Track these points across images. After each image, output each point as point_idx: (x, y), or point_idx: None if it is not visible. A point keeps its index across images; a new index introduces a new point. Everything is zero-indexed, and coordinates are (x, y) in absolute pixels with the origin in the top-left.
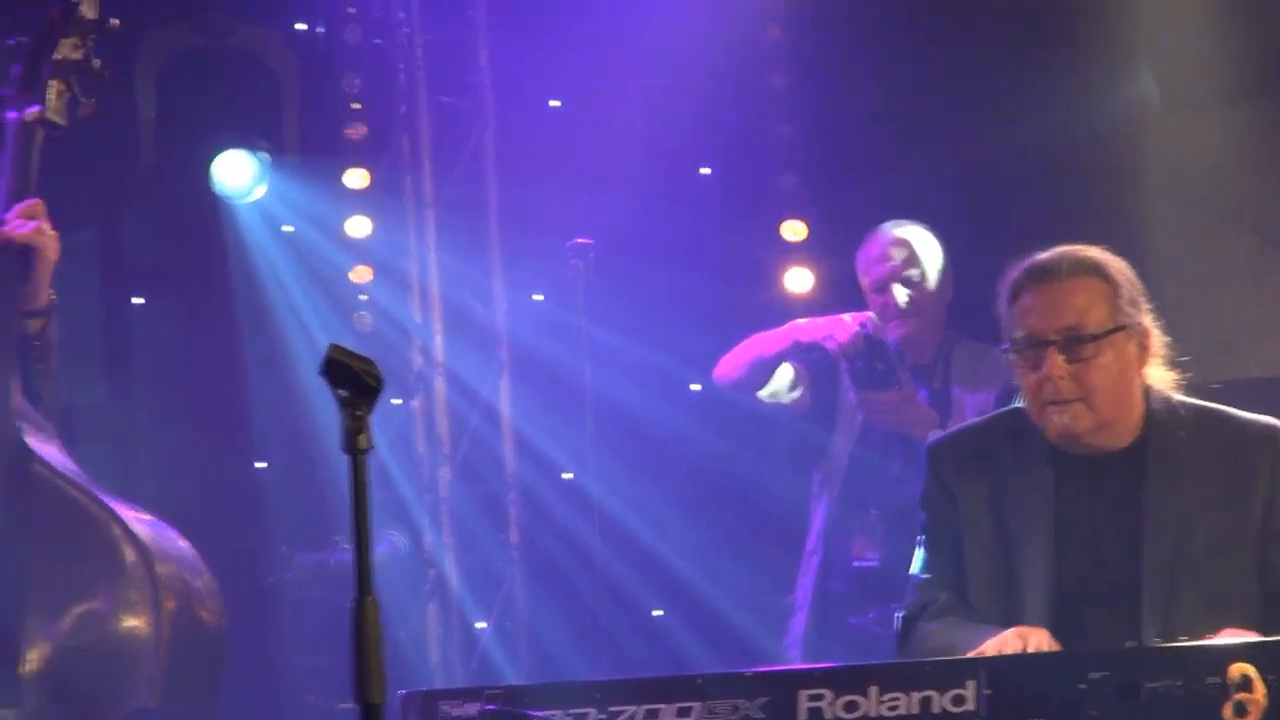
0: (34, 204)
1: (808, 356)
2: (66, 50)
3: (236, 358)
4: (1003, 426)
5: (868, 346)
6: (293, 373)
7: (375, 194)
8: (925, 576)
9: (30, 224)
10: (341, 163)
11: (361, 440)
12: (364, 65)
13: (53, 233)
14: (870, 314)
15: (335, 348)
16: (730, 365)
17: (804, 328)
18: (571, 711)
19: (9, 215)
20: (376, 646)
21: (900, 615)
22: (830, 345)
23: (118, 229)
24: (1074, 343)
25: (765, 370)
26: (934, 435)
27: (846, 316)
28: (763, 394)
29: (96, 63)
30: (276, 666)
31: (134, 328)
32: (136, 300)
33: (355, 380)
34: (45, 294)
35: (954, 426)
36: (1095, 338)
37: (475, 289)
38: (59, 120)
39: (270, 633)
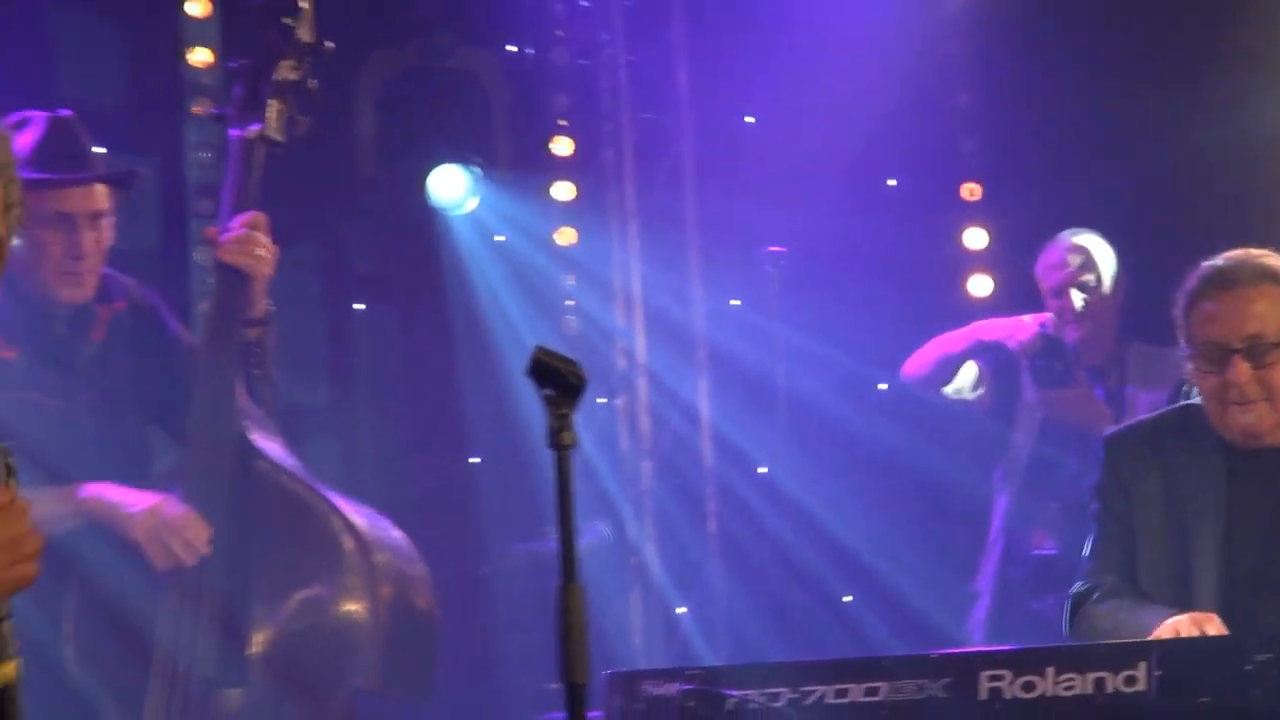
0: (255, 217)
1: (990, 356)
2: (285, 72)
3: (450, 360)
4: (1175, 421)
5: (1046, 346)
6: (503, 373)
7: (581, 206)
8: (1095, 562)
9: (243, 248)
10: (549, 176)
11: (565, 437)
12: (571, 85)
13: (266, 252)
14: (1049, 315)
15: (541, 349)
16: (917, 363)
17: (986, 327)
18: (765, 691)
19: (232, 225)
20: (581, 630)
21: (1070, 596)
22: (1011, 344)
23: (341, 240)
24: (1258, 349)
25: (950, 368)
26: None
27: (1026, 318)
28: (947, 390)
29: (313, 83)
30: (488, 649)
31: (355, 332)
32: (358, 306)
33: (560, 380)
34: (262, 305)
35: (1128, 421)
36: (1278, 345)
37: (675, 294)
38: (278, 137)
39: (482, 618)
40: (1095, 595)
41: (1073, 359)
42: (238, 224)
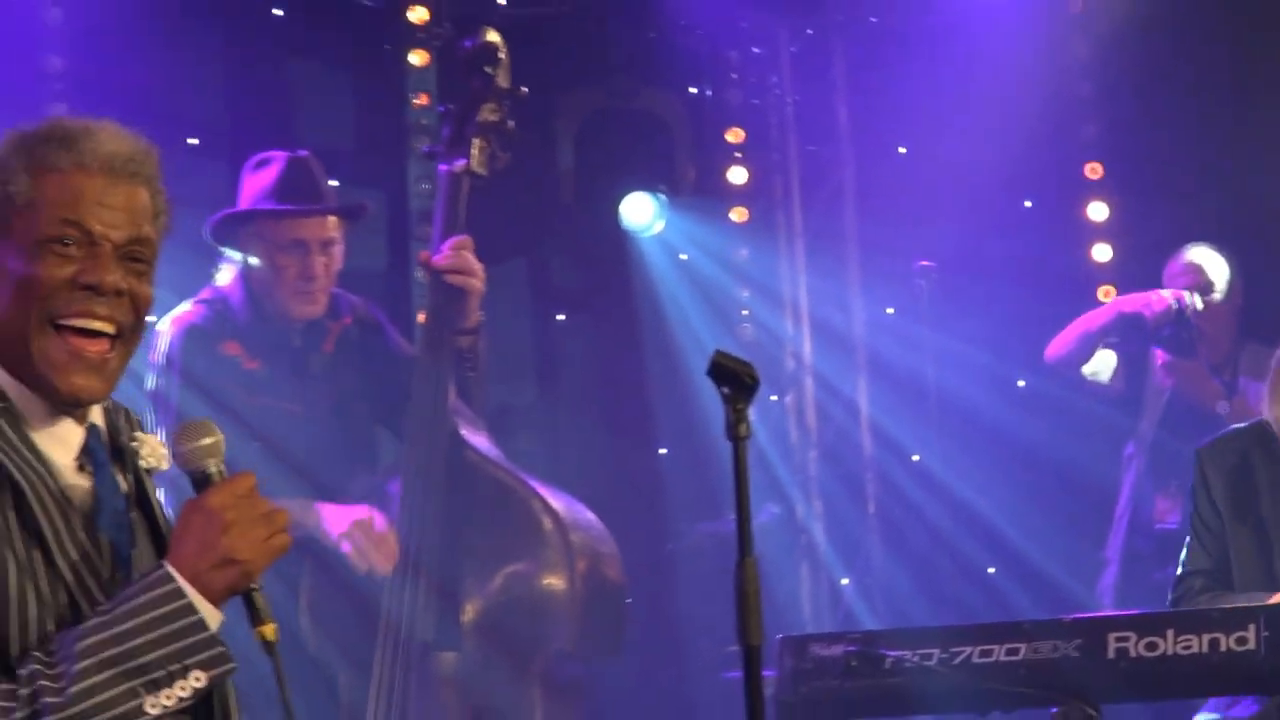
0: (463, 240)
1: (1124, 341)
2: (486, 114)
3: (640, 363)
4: (1254, 433)
5: (1178, 316)
6: (686, 374)
7: (754, 227)
8: (1188, 568)
9: (455, 267)
10: (726, 202)
11: (741, 430)
12: (744, 121)
13: (476, 269)
14: (1184, 292)
15: (720, 353)
16: (1060, 343)
17: (1126, 300)
18: (918, 651)
19: (443, 248)
20: (756, 599)
21: (1170, 595)
22: (1148, 312)
23: (544, 258)
24: None
25: (1090, 344)
26: (1221, 405)
27: (1164, 291)
28: (1086, 370)
29: (511, 124)
30: (675, 617)
31: (557, 340)
32: (559, 317)
33: (737, 380)
34: (475, 317)
35: (1218, 432)
36: None
37: (837, 304)
38: (481, 171)
39: (669, 589)
40: (1189, 598)
41: (1197, 335)
42: (448, 247)
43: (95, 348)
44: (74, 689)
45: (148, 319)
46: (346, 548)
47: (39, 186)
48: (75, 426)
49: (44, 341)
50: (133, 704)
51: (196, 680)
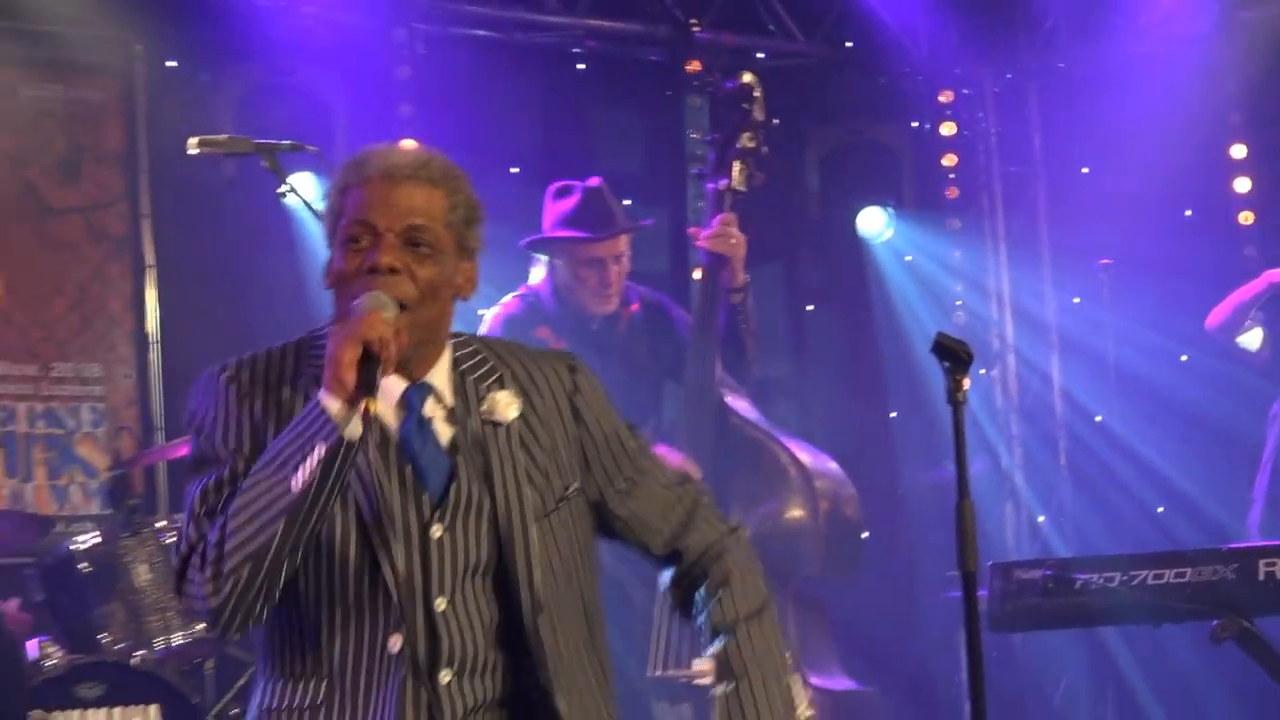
0: (728, 216)
1: (1272, 322)
2: (744, 141)
3: (875, 344)
4: None
5: None
6: (912, 352)
7: (965, 234)
8: None
9: (720, 236)
10: (943, 214)
11: (959, 396)
12: (957, 148)
13: (737, 239)
14: None
15: (941, 334)
16: (1219, 312)
17: (1275, 272)
18: (1103, 575)
19: (712, 222)
20: (971, 533)
21: None
22: None
23: (795, 260)
24: None
25: (1243, 312)
26: None
27: None
28: (1239, 339)
29: (765, 149)
30: (904, 548)
31: (806, 326)
32: (809, 308)
33: (955, 356)
34: (740, 277)
35: None
36: None
37: (1033, 294)
38: (741, 188)
39: (900, 526)
40: None
41: None
42: (717, 221)
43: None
44: (250, 481)
45: (483, 312)
46: None
47: (343, 200)
48: (399, 381)
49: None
50: (280, 480)
51: (318, 451)
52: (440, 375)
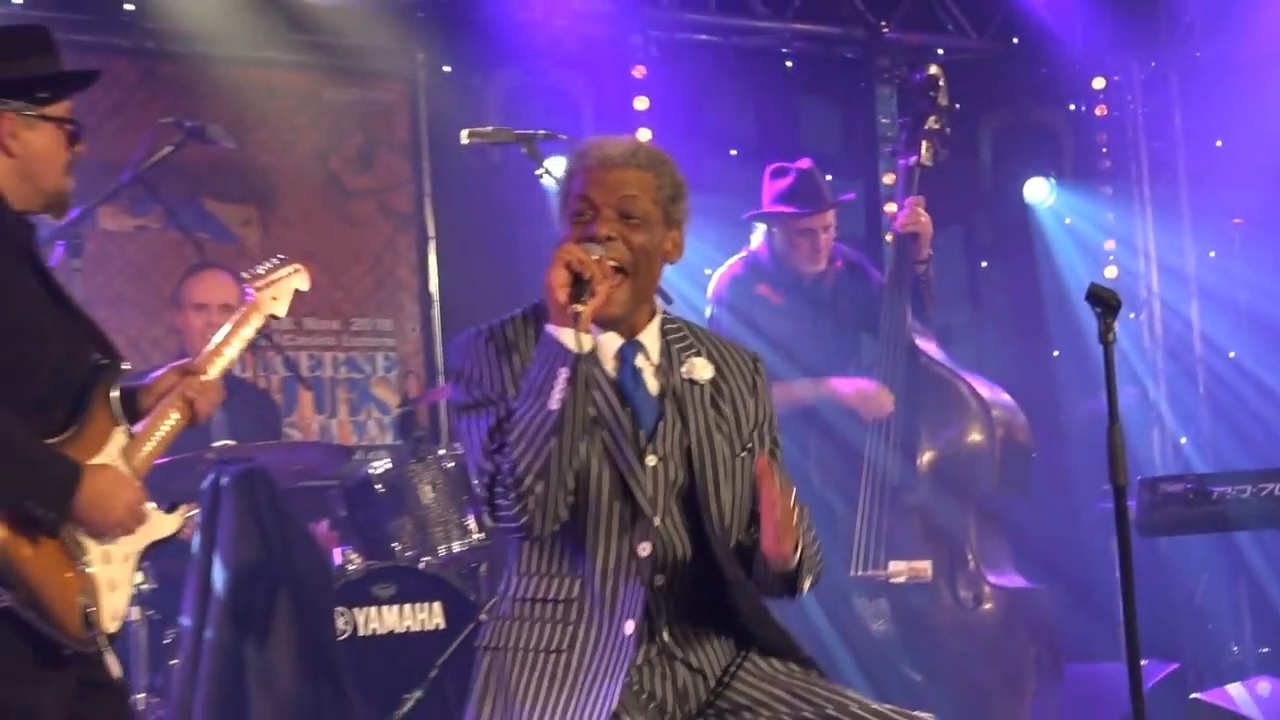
0: (917, 199)
1: None
2: (931, 123)
3: (1038, 293)
4: None
5: None
6: (1071, 300)
7: (1116, 199)
8: None
9: (912, 215)
10: (1097, 182)
11: (1109, 337)
12: (1108, 127)
13: (924, 219)
14: None
15: (1094, 284)
16: None
17: None
18: (1235, 487)
19: (904, 204)
20: (1122, 452)
21: None
22: None
23: (972, 224)
24: None
25: None
26: None
27: None
28: None
29: (947, 130)
30: (1065, 467)
31: (982, 280)
32: (983, 264)
33: (1106, 303)
34: (925, 251)
35: None
36: None
37: (1175, 250)
38: (928, 163)
39: (1062, 447)
40: None
41: None
42: (907, 204)
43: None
44: (513, 430)
45: (709, 272)
46: (854, 401)
47: (569, 184)
48: (616, 337)
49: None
50: (541, 409)
51: (564, 374)
52: (650, 336)
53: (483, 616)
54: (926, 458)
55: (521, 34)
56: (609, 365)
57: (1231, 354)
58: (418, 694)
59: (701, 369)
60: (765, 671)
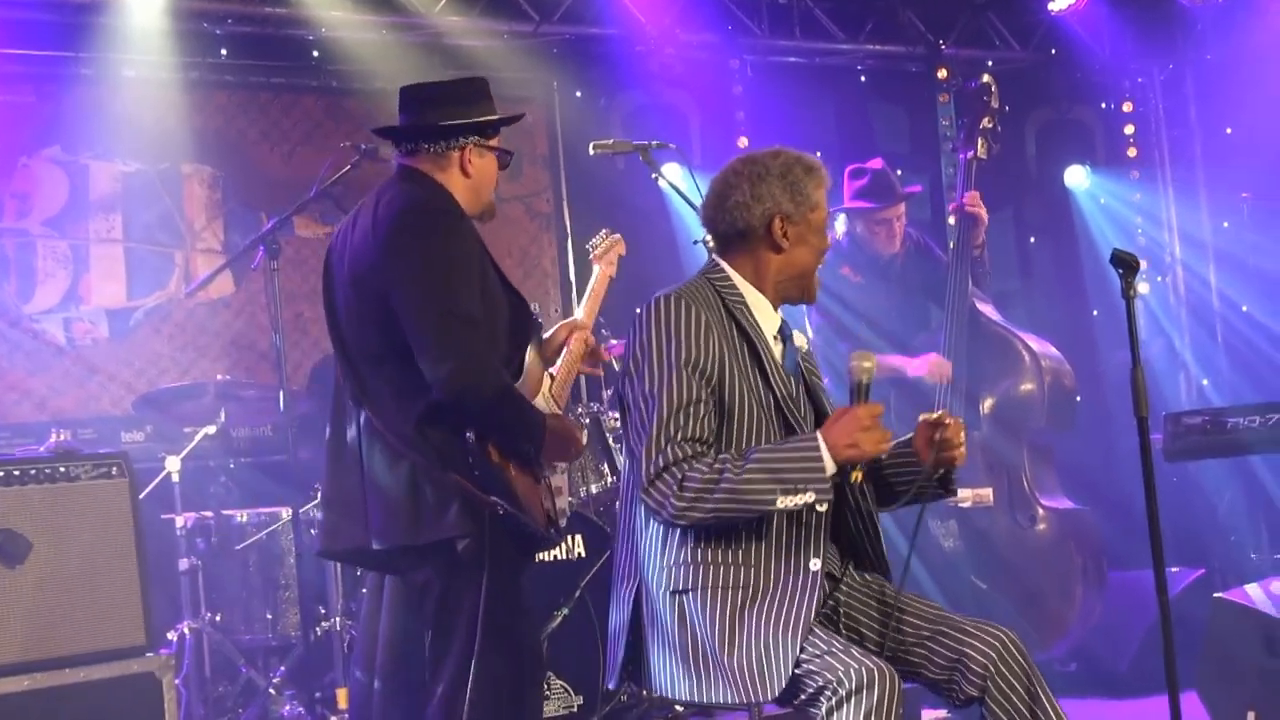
0: (976, 193)
1: None
2: (985, 123)
3: (1078, 262)
4: None
5: None
6: (1105, 266)
7: (1142, 181)
8: None
9: (971, 206)
10: (1126, 168)
11: (1131, 293)
12: (1135, 120)
13: (982, 210)
14: None
15: (1117, 250)
16: None
17: None
18: (1248, 418)
19: (964, 197)
20: (1143, 388)
21: None
22: None
23: (1021, 204)
24: None
25: None
26: None
27: None
28: None
29: (999, 128)
30: (1100, 407)
31: (1030, 252)
32: (1031, 239)
33: (1126, 264)
34: (981, 237)
35: None
36: None
37: (1192, 221)
38: (983, 157)
39: (1100, 391)
40: None
41: None
42: (966, 196)
43: None
44: (744, 474)
45: None
46: (923, 371)
47: (818, 193)
48: (775, 316)
49: (815, 276)
50: (770, 494)
51: (807, 497)
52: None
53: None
54: (987, 402)
55: (638, 62)
56: (773, 343)
57: (1244, 308)
58: (564, 611)
59: (798, 338)
60: (859, 581)
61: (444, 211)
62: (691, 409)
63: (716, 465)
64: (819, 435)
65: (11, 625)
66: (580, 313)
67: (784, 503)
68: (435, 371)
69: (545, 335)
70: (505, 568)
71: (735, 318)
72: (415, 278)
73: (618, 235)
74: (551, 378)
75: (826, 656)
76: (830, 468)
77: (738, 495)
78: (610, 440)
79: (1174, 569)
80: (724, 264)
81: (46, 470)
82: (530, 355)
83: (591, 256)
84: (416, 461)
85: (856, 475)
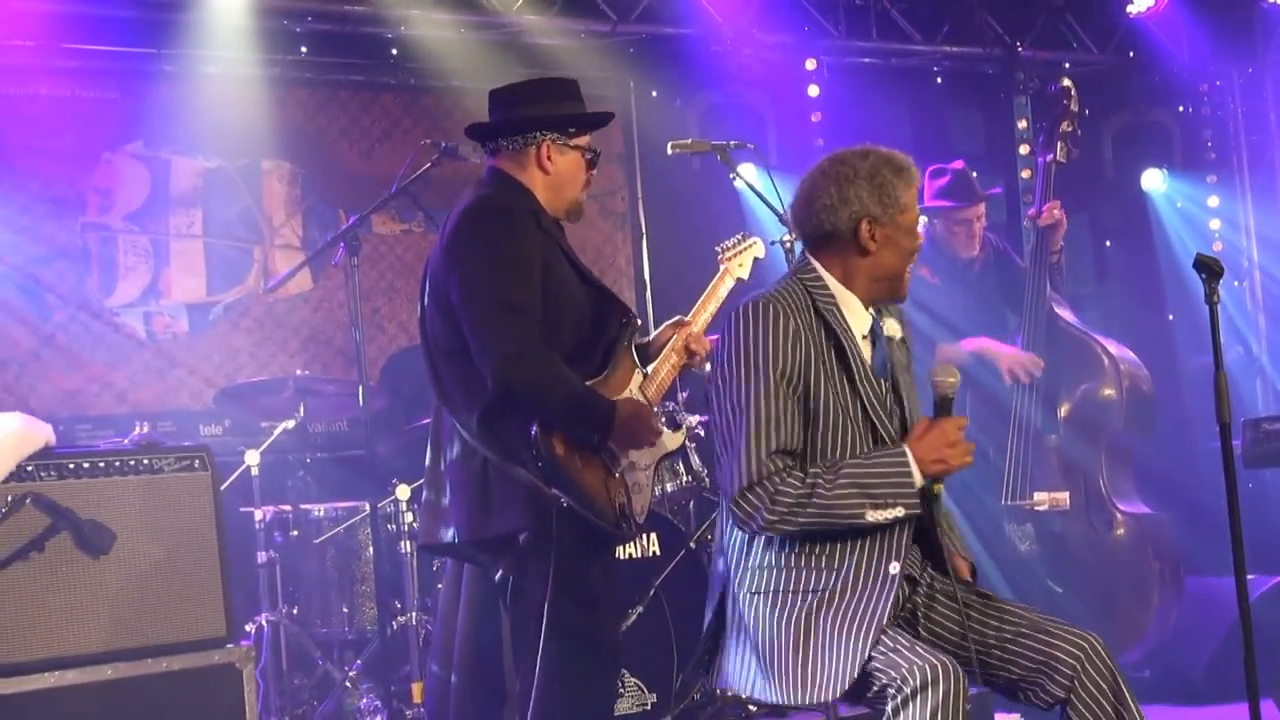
0: (1055, 201)
1: None
2: (1064, 126)
3: (1155, 265)
4: None
5: None
6: (1183, 270)
7: (1220, 185)
8: None
9: (1050, 215)
10: (1203, 171)
11: (1214, 299)
12: (1213, 124)
13: (1059, 217)
14: None
15: (1200, 254)
16: None
17: None
18: None
19: (1044, 207)
20: (1226, 394)
21: None
22: None
23: (1099, 208)
24: None
25: None
26: None
27: None
28: None
29: (1078, 132)
30: (1180, 411)
31: (1107, 255)
32: (1107, 243)
33: (1209, 269)
34: (1059, 243)
35: None
36: None
37: (1273, 226)
38: (1062, 160)
39: (1178, 394)
40: None
41: None
42: (1046, 206)
43: None
44: (834, 489)
45: None
46: (1006, 364)
47: (908, 194)
48: (866, 316)
49: (906, 276)
50: (859, 509)
51: (897, 511)
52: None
53: (691, 544)
54: (1065, 406)
55: (714, 63)
56: (861, 338)
57: None
58: (639, 608)
59: (889, 326)
60: (940, 583)
61: (504, 210)
62: (781, 420)
63: (809, 480)
64: (907, 450)
65: (96, 615)
66: (693, 314)
67: (873, 516)
68: (484, 362)
69: (653, 334)
70: (573, 561)
71: (825, 319)
72: (468, 274)
73: (755, 239)
74: (644, 375)
75: (892, 654)
76: (919, 481)
77: (829, 510)
78: (685, 440)
79: (1251, 576)
80: (815, 263)
81: (131, 462)
82: (620, 353)
83: (720, 258)
84: (487, 455)
85: (938, 488)
